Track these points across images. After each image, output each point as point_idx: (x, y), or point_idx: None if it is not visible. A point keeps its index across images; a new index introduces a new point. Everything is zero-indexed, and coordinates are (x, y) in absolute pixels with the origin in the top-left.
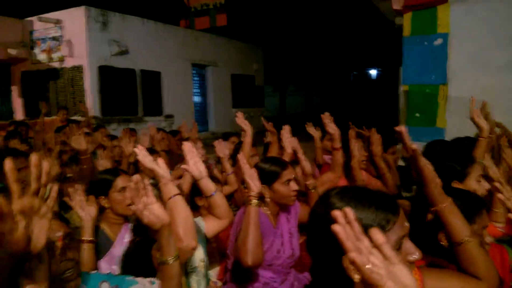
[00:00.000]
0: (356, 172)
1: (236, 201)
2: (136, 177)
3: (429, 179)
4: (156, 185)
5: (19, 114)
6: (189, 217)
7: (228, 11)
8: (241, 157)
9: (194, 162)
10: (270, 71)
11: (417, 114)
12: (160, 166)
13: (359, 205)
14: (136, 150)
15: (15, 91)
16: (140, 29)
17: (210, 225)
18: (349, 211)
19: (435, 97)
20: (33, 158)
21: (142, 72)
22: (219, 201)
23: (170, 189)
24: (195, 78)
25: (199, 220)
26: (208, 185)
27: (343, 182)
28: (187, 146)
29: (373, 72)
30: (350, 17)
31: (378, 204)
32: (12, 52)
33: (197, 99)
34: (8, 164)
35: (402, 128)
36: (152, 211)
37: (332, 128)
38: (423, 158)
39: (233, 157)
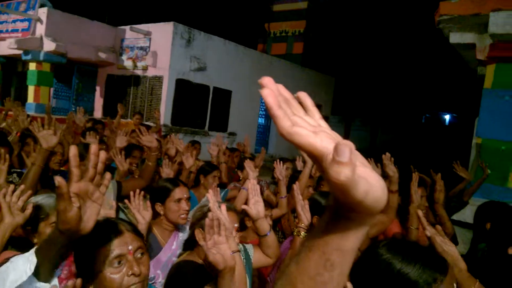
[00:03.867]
0: (413, 218)
1: (282, 227)
2: (212, 214)
3: (450, 264)
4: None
5: (98, 112)
6: (244, 277)
7: (305, 40)
8: (296, 187)
9: (255, 201)
10: (339, 102)
11: (488, 171)
12: (226, 218)
13: (405, 259)
14: (208, 195)
15: (98, 91)
16: (220, 49)
17: (257, 258)
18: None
19: (511, 155)
20: (93, 147)
21: (215, 89)
22: (270, 241)
23: (231, 244)
24: (263, 101)
25: (250, 247)
26: (263, 226)
27: (395, 226)
28: (251, 183)
29: (447, 117)
30: (430, 59)
31: (426, 261)
32: (102, 55)
33: (261, 121)
34: (72, 151)
35: (419, 213)
36: (220, 251)
37: (391, 169)
38: (442, 244)
39: (289, 184)
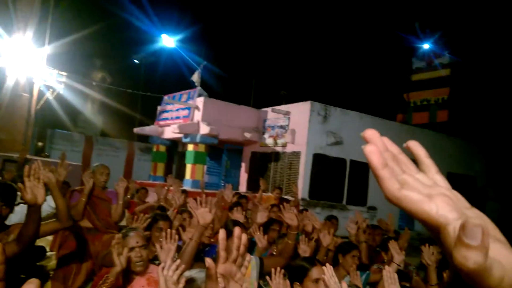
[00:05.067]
0: None
1: None
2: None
3: None
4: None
5: (243, 187)
6: None
7: (450, 107)
8: (448, 275)
9: None
10: (493, 173)
11: None
12: None
13: None
14: (323, 277)
15: (243, 167)
16: (356, 123)
17: None
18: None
19: None
20: (237, 230)
21: (352, 162)
22: None
23: None
24: None
25: None
26: None
27: None
28: (388, 271)
29: None
30: None
31: None
32: (247, 135)
33: None
34: (221, 234)
35: None
36: None
37: None
38: None
39: (439, 270)
